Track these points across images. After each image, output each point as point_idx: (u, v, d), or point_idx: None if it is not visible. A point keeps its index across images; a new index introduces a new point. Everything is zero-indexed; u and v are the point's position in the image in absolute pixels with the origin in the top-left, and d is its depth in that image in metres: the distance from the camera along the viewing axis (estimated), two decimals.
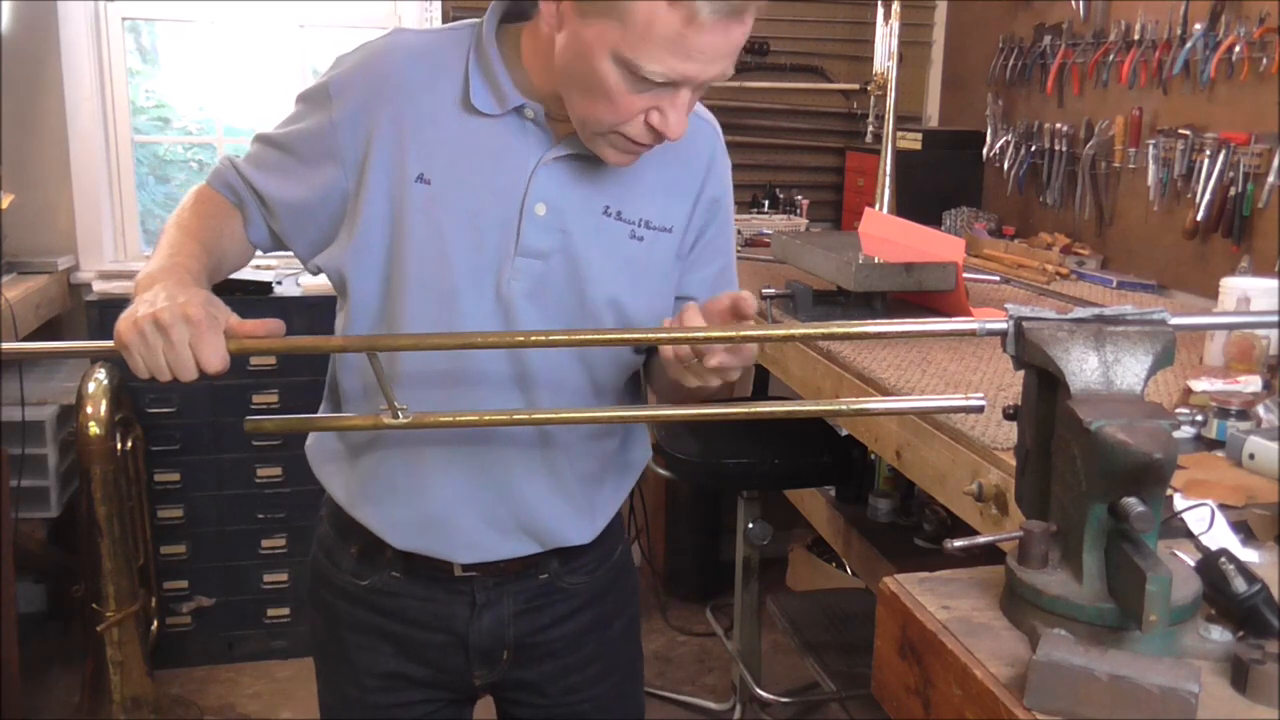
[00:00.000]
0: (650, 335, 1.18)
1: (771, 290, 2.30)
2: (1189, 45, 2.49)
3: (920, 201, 3.17)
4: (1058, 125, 3.00)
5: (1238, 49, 2.36)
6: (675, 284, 1.37)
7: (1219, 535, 1.18)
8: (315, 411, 1.45)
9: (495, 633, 1.40)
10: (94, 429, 2.69)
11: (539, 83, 1.24)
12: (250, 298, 2.97)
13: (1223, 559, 0.99)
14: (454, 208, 1.25)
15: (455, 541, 1.35)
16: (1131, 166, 2.73)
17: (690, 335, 1.11)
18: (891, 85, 3.12)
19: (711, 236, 1.38)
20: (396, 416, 1.17)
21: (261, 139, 1.35)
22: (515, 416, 1.22)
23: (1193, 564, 1.01)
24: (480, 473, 1.32)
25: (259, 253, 1.39)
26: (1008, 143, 3.21)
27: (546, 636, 1.43)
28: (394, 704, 1.44)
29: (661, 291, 1.35)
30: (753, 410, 1.38)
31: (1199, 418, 1.54)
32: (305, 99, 1.32)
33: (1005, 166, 3.21)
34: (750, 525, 2.60)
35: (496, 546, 1.36)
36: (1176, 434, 0.95)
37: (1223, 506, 1.24)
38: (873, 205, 3.06)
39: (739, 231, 3.18)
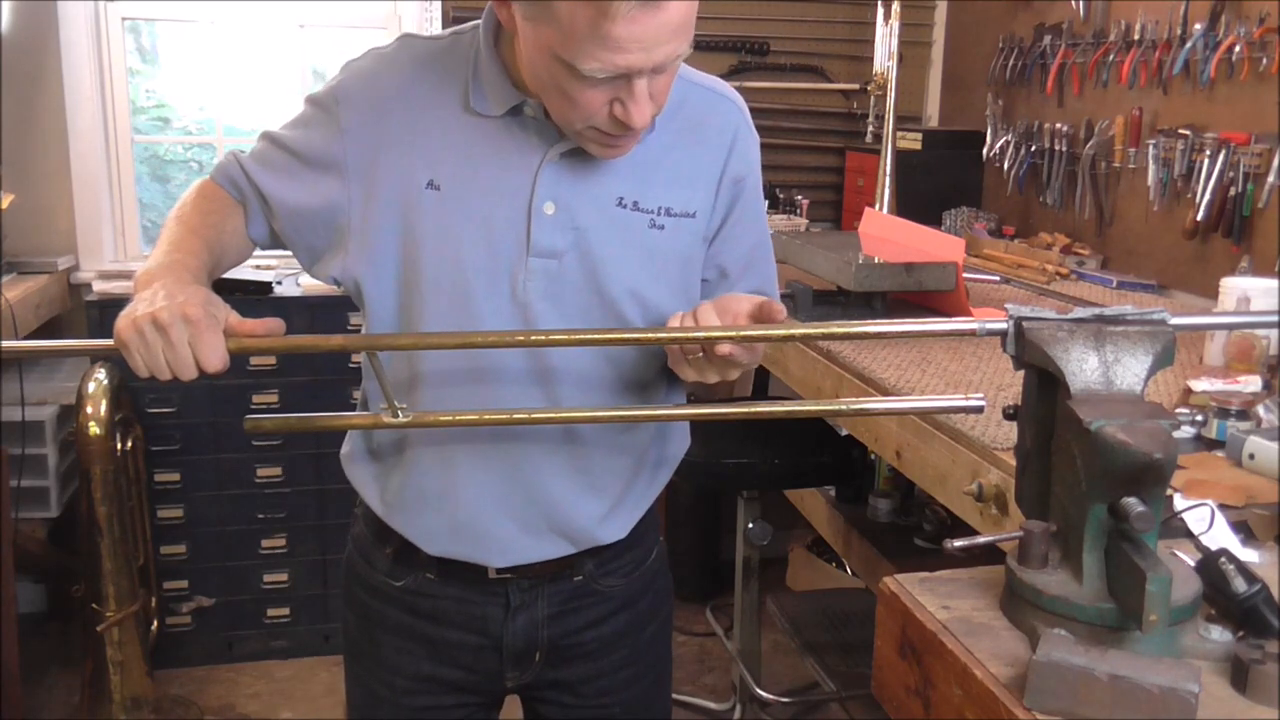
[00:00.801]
0: (652, 335, 1.18)
1: None
2: (1189, 45, 2.49)
3: (920, 201, 3.17)
4: (1058, 125, 3.00)
5: (1238, 49, 2.36)
6: (701, 269, 1.34)
7: (1219, 535, 1.18)
8: (317, 411, 1.45)
9: (529, 634, 1.40)
10: (94, 429, 2.69)
11: (533, 82, 1.24)
12: (250, 298, 2.97)
13: (1223, 559, 0.99)
14: (465, 212, 1.25)
15: (488, 546, 1.34)
16: (1131, 166, 2.73)
17: (691, 334, 1.11)
18: (891, 85, 3.12)
19: (739, 216, 1.35)
20: (396, 416, 1.17)
21: (268, 137, 1.34)
22: (515, 415, 1.22)
23: (1193, 564, 1.01)
24: (509, 475, 1.31)
25: (258, 249, 1.39)
26: (1008, 143, 3.21)
27: (580, 639, 1.42)
28: (425, 706, 1.43)
29: (687, 280, 1.33)
30: (753, 410, 1.37)
31: (1199, 418, 1.54)
32: (313, 103, 1.31)
33: (1005, 166, 3.21)
34: (750, 525, 2.60)
35: (529, 549, 1.35)
36: (1176, 434, 0.95)
37: (1223, 506, 1.24)
38: (873, 205, 3.06)
39: None
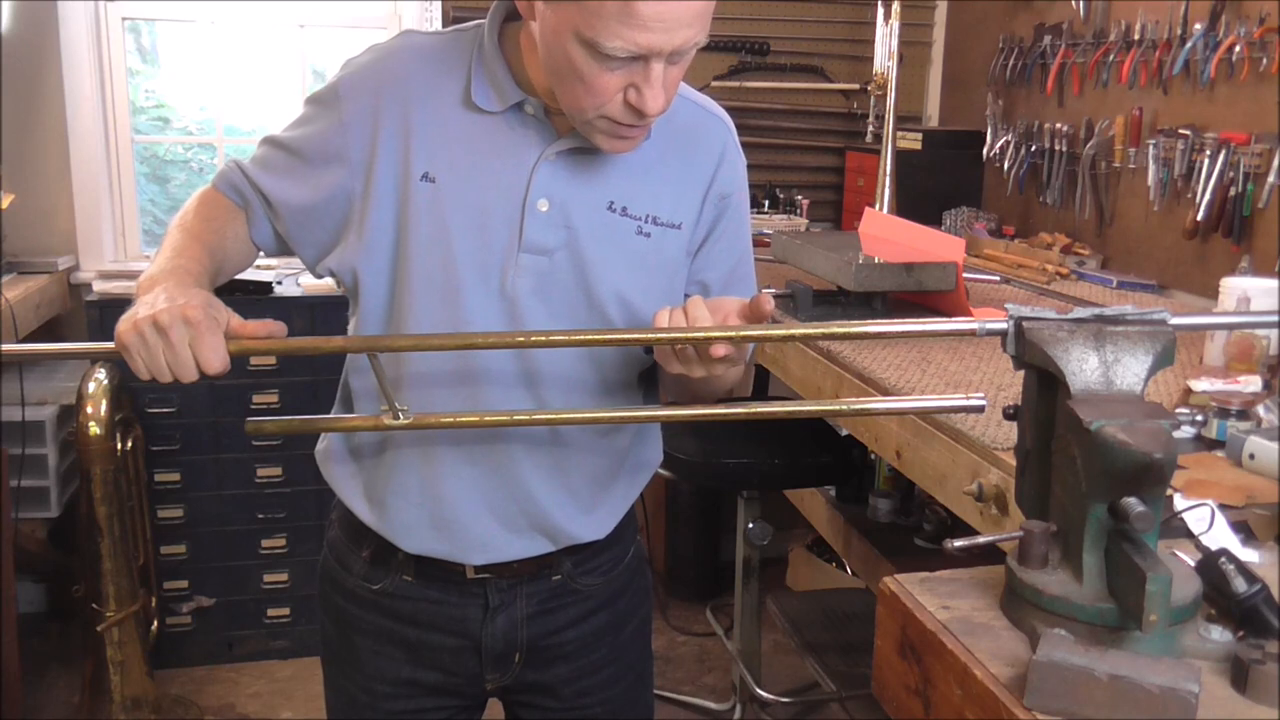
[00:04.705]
0: (651, 335, 1.17)
1: (771, 290, 2.30)
2: (1189, 45, 2.49)
3: (920, 201, 3.17)
4: (1058, 125, 3.00)
5: (1238, 49, 2.36)
6: (685, 281, 1.36)
7: (1219, 535, 1.18)
8: (317, 412, 1.44)
9: (509, 635, 1.40)
10: (94, 429, 2.69)
11: (538, 79, 1.25)
12: (250, 298, 2.97)
13: (1223, 559, 0.99)
14: (458, 205, 1.25)
15: (467, 542, 1.34)
16: (1131, 166, 2.73)
17: (691, 335, 1.11)
18: (891, 85, 3.12)
19: (722, 232, 1.36)
20: (397, 417, 1.17)
21: (269, 141, 1.35)
22: (516, 417, 1.22)
23: (1193, 564, 1.01)
24: (491, 471, 1.32)
25: (262, 255, 1.40)
26: (1008, 143, 3.21)
27: (560, 639, 1.42)
28: (405, 711, 1.43)
29: (671, 289, 1.34)
30: (753, 410, 1.37)
31: (1199, 418, 1.54)
32: (314, 101, 1.32)
33: (1005, 166, 3.21)
34: (750, 525, 2.60)
35: (508, 546, 1.35)
36: (1176, 434, 0.95)
37: (1223, 506, 1.24)
38: (873, 205, 3.06)
39: None
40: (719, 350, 1.11)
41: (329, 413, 1.42)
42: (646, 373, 1.40)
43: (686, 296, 1.35)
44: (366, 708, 1.44)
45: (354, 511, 1.38)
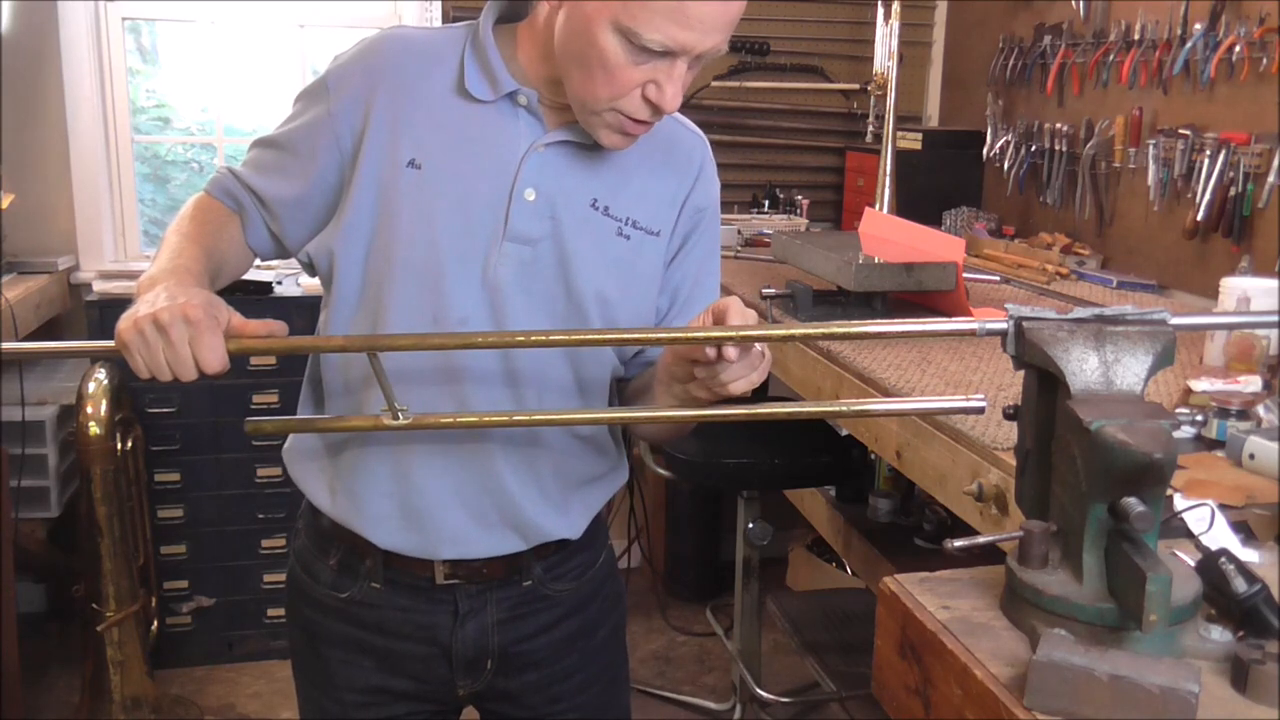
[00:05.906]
0: (650, 335, 1.18)
1: (771, 290, 2.30)
2: (1189, 45, 2.49)
3: (920, 201, 3.17)
4: (1058, 125, 3.00)
5: (1238, 49, 2.36)
6: (658, 292, 1.36)
7: (1219, 535, 1.18)
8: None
9: (479, 642, 1.39)
10: (94, 429, 2.69)
11: (533, 73, 1.26)
12: (250, 298, 2.97)
13: (1223, 559, 0.99)
14: (444, 192, 1.26)
15: (438, 535, 1.33)
16: (1131, 166, 2.73)
17: (690, 335, 1.11)
18: (891, 85, 3.12)
19: (694, 245, 1.38)
20: (397, 417, 1.16)
21: (258, 143, 1.36)
22: (516, 418, 1.22)
23: (1193, 564, 1.01)
24: (464, 463, 1.31)
25: (258, 259, 1.40)
26: (1008, 143, 3.21)
27: (531, 645, 1.42)
28: (377, 719, 1.42)
29: (647, 295, 1.35)
30: (753, 410, 1.37)
31: (1199, 418, 1.54)
32: (303, 96, 1.33)
33: (1005, 166, 3.21)
34: (750, 525, 2.60)
35: (479, 540, 1.34)
36: (1176, 434, 0.95)
37: (1223, 506, 1.24)
38: (873, 205, 3.06)
39: (739, 231, 3.18)
40: (712, 353, 1.11)
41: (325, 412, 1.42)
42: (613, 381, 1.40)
43: (657, 310, 1.37)
44: (338, 718, 1.43)
45: (321, 509, 1.38)
